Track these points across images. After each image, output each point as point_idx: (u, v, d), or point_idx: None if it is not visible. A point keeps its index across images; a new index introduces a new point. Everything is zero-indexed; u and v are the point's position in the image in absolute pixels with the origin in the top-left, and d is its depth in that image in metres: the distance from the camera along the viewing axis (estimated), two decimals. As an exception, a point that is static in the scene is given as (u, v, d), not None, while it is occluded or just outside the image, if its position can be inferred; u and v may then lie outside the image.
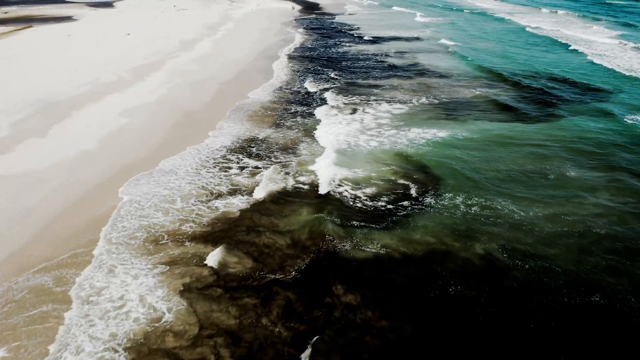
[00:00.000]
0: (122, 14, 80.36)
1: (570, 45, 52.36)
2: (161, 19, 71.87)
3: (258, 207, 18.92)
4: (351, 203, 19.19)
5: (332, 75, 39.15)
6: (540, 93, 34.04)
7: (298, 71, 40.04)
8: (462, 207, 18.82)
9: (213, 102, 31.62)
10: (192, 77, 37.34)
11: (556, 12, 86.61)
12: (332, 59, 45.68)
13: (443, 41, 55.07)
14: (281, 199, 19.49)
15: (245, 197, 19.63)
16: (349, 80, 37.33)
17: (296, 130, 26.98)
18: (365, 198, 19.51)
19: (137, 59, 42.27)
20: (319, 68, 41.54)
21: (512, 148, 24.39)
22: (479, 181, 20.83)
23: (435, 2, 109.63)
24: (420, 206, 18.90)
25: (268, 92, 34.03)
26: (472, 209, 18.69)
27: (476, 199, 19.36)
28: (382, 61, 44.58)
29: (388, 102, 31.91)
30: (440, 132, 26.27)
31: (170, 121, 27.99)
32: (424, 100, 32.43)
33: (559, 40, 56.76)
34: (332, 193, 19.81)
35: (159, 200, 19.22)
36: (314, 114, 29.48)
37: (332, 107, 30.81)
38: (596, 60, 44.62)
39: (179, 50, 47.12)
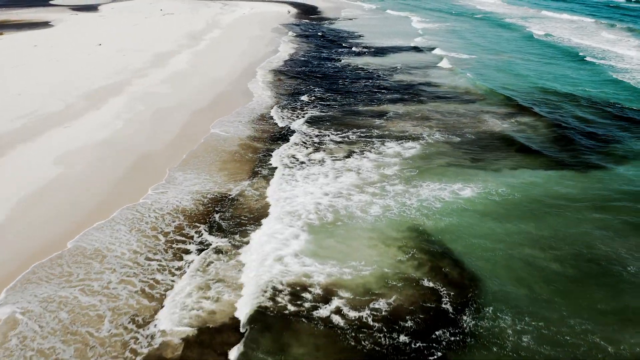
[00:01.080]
0: (103, 19, 74.10)
1: (592, 59, 45.99)
2: (142, 25, 65.54)
3: None
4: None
5: (325, 98, 32.78)
6: (577, 127, 27.65)
7: (285, 94, 33.68)
8: (511, 335, 12.51)
9: (176, 141, 25.31)
10: (159, 104, 31.03)
11: (569, 16, 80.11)
12: (327, 76, 39.26)
13: (453, 55, 48.63)
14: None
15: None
16: (345, 107, 30.94)
17: (258, 190, 20.54)
18: (373, 325, 13.01)
19: (98, 79, 35.93)
20: (311, 88, 35.14)
21: (572, 215, 17.99)
22: (533, 280, 14.50)
23: (439, 5, 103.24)
24: (459, 335, 12.52)
25: (245, 123, 27.70)
26: (524, 339, 12.38)
27: (529, 318, 13.04)
28: (383, 79, 38.15)
29: (394, 138, 25.55)
30: (466, 189, 19.90)
31: (116, 172, 21.68)
32: (438, 136, 26.04)
33: (575, 50, 50.41)
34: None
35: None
36: (292, 162, 23.15)
37: (317, 148, 24.36)
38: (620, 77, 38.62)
39: (150, 66, 40.79)
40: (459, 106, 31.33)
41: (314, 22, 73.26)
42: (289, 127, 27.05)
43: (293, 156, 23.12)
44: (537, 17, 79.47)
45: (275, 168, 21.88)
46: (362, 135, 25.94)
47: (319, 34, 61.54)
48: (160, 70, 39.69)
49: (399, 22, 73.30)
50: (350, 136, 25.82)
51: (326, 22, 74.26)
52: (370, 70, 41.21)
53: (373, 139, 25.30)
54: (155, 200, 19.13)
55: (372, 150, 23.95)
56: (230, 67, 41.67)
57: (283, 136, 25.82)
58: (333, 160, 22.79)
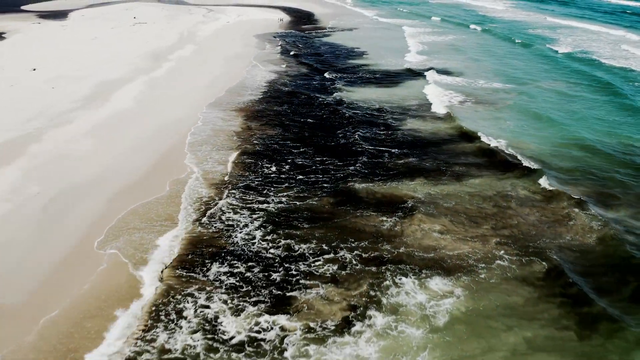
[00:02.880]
0: (64, 30, 63.96)
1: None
2: (102, 39, 55.36)
3: None
4: None
5: (306, 167, 22.37)
6: None
7: (245, 167, 22.83)
8: None
9: (61, 274, 15.20)
10: (66, 178, 20.96)
11: (589, 25, 69.79)
12: (312, 124, 28.69)
13: (477, 87, 38.47)
14: None
15: None
16: (334, 187, 20.47)
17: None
18: None
19: (-5, 132, 25.84)
20: (286, 148, 24.58)
21: None
22: None
23: (447, 12, 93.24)
24: None
25: (171, 239, 17.46)
26: None
27: None
28: (391, 128, 27.66)
29: (417, 270, 15.26)
30: None
31: None
32: (500, 262, 15.78)
33: (621, 74, 40.30)
34: None
35: None
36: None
37: (276, 305, 14.25)
38: None
39: (82, 105, 30.62)
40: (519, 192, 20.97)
41: (308, 34, 63.00)
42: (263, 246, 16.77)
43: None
44: (553, 27, 69.11)
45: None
46: (360, 259, 15.71)
47: (311, 51, 51.29)
48: (92, 112, 29.50)
49: (404, 35, 62.95)
50: (343, 260, 15.63)
51: (321, 33, 63.95)
52: (373, 111, 30.91)
53: (381, 272, 15.09)
54: None
55: (380, 305, 13.74)
56: (191, 103, 31.50)
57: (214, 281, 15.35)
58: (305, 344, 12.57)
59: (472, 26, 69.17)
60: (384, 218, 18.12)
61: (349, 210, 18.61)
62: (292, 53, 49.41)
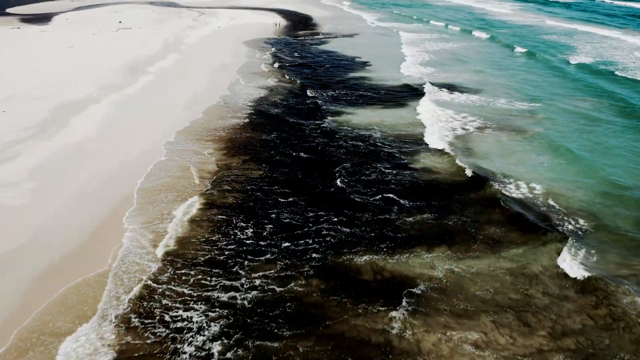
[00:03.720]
0: (43, 35, 59.05)
1: None
2: (80, 47, 50.47)
3: None
4: None
5: (295, 243, 17.60)
6: None
7: (220, 228, 17.83)
8: None
9: None
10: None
11: (608, 31, 64.84)
12: (305, 167, 23.81)
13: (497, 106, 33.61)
14: None
15: None
16: (331, 279, 15.65)
17: None
18: None
19: None
20: (270, 206, 19.61)
21: None
22: None
23: (454, 15, 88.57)
24: None
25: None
26: None
27: None
28: (398, 173, 22.42)
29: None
30: None
31: None
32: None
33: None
34: None
35: None
36: None
37: None
38: None
39: (31, 136, 25.61)
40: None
41: (304, 40, 58.08)
42: None
43: None
44: (568, 33, 64.17)
45: None
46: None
47: (306, 61, 46.39)
48: (42, 144, 24.60)
49: (411, 43, 58.04)
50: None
51: (318, 39, 59.01)
52: (377, 142, 25.84)
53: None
54: None
55: None
56: (161, 131, 26.59)
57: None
58: None
59: (477, 33, 64.12)
60: (394, 314, 13.26)
61: (346, 304, 13.71)
62: (284, 64, 44.50)
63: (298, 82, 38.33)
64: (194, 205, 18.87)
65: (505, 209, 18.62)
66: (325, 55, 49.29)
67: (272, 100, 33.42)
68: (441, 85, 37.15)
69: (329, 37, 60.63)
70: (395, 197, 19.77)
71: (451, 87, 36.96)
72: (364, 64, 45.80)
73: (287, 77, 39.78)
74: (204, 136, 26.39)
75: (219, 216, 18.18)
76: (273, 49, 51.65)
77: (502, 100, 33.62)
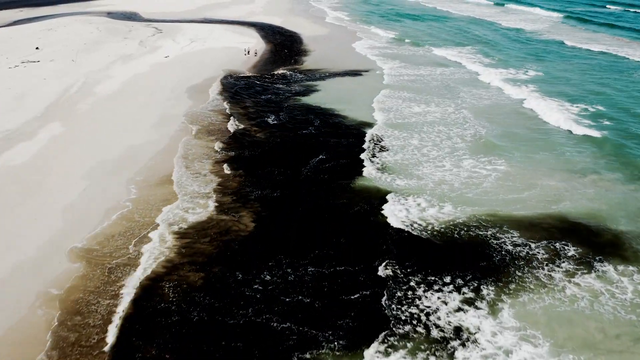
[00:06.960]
0: None
1: None
2: None
3: None
4: None
5: None
6: None
7: None
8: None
9: None
10: None
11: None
12: None
13: None
14: None
15: None
16: None
17: None
18: None
19: None
20: None
21: None
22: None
23: (494, 36, 68.95)
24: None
25: None
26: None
27: None
28: None
29: None
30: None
31: None
32: None
33: None
34: None
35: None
36: None
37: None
38: None
39: None
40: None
41: (285, 84, 38.42)
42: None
43: None
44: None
45: None
46: None
47: (278, 146, 26.76)
48: None
49: (458, 85, 38.16)
50: None
51: (306, 84, 39.06)
52: None
53: None
54: None
55: None
56: None
57: None
58: None
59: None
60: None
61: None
62: (239, 157, 24.87)
63: (251, 209, 18.72)
64: None
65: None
66: (313, 126, 29.56)
67: (183, 280, 13.97)
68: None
69: (322, 77, 40.93)
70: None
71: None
72: (392, 161, 26.00)
73: (233, 217, 19.93)
74: None
75: None
76: (228, 109, 32.07)
77: None
